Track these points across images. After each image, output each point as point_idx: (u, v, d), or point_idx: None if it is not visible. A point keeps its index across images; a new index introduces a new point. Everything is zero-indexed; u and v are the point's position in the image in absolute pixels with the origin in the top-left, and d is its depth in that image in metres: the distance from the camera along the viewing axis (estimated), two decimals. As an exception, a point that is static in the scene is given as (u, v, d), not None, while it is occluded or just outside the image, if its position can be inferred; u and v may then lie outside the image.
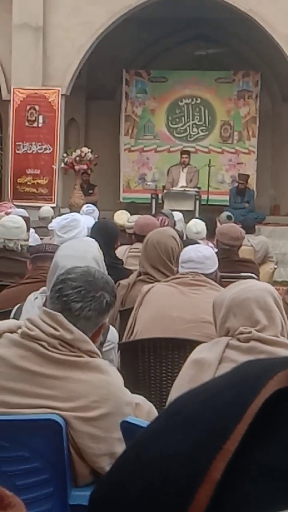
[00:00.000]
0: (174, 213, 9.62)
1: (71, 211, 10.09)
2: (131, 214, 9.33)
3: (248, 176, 16.49)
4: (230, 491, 0.48)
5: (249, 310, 2.62)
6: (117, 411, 2.52)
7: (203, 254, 4.10)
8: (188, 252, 4.14)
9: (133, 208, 11.10)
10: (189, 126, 18.05)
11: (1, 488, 0.68)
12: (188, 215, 11.05)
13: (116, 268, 5.14)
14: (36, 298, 3.63)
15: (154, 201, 15.30)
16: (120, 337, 3.83)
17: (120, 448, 2.52)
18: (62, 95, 15.90)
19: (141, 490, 0.51)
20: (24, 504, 0.68)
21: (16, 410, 2.50)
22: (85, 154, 15.66)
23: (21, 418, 2.47)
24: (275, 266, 9.74)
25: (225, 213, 10.94)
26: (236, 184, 16.35)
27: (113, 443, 2.51)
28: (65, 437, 2.47)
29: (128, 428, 2.43)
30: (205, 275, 4.04)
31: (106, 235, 5.39)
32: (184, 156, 15.95)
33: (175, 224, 8.54)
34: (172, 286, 4.01)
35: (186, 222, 9.29)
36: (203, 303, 3.81)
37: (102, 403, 2.51)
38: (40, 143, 16.02)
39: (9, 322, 2.80)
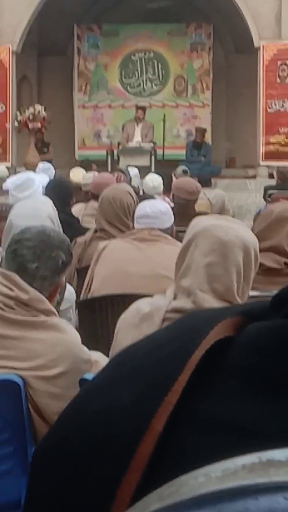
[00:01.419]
0: (130, 168, 9.59)
1: (27, 170, 9.99)
2: (86, 171, 9.27)
3: (205, 129, 16.45)
4: (171, 443, 0.48)
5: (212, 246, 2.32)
6: (75, 369, 2.52)
7: (158, 209, 4.09)
8: (144, 207, 4.13)
9: (88, 165, 11.03)
10: (142, 80, 17.94)
11: None
12: (144, 171, 11.02)
13: (71, 225, 5.12)
14: (-9, 258, 3.60)
15: (109, 157, 15.21)
16: (78, 295, 3.83)
17: (79, 405, 2.53)
18: (12, 52, 15.67)
19: (85, 443, 0.51)
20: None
21: (-26, 371, 2.49)
22: (39, 111, 15.48)
23: (-21, 379, 2.47)
24: (232, 219, 9.77)
25: (181, 167, 10.92)
26: (193, 138, 16.31)
27: (72, 400, 2.52)
28: (23, 397, 2.47)
29: (86, 385, 2.44)
30: (161, 230, 4.03)
31: (61, 193, 5.36)
32: (139, 111, 15.83)
33: (131, 180, 8.52)
34: (129, 242, 4.00)
35: (142, 177, 9.27)
36: (160, 257, 3.82)
37: (60, 362, 2.51)
38: (-8, 102, 15.80)
39: None
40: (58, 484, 0.52)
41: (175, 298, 2.41)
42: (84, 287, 4.01)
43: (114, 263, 3.92)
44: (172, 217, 4.20)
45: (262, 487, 0.39)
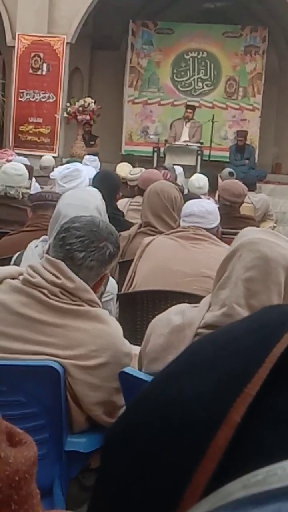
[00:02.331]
0: (175, 167, 9.58)
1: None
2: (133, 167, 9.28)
3: (246, 132, 16.35)
4: (248, 435, 0.48)
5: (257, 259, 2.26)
6: (115, 361, 2.53)
7: (205, 208, 4.08)
8: (191, 206, 4.12)
9: (132, 160, 11.03)
10: (194, 80, 17.90)
11: (12, 425, 0.68)
12: (189, 170, 11.00)
13: (117, 219, 5.13)
14: (37, 246, 3.63)
15: (156, 154, 15.21)
16: (119, 288, 3.83)
17: (117, 397, 2.54)
18: (67, 43, 15.74)
19: (158, 430, 0.51)
20: (34, 443, 0.68)
21: (15, 356, 2.50)
22: (88, 104, 15.54)
23: (20, 363, 2.48)
24: (275, 225, 9.73)
25: (227, 169, 10.89)
26: (236, 141, 16.25)
27: (110, 392, 2.53)
28: (62, 384, 2.48)
29: (126, 379, 2.45)
30: (207, 229, 4.02)
31: (108, 186, 5.37)
32: (189, 110, 15.79)
33: (176, 178, 8.51)
34: (173, 240, 4.00)
35: (188, 177, 9.25)
36: (204, 257, 3.81)
37: (100, 353, 2.52)
38: (43, 92, 15.90)
39: (11, 268, 2.80)
40: (129, 469, 0.52)
41: (209, 308, 2.37)
42: (126, 281, 4.02)
43: (157, 260, 3.92)
44: (219, 217, 4.19)
45: None
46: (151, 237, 4.13)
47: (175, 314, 2.44)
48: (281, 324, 0.54)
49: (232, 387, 0.50)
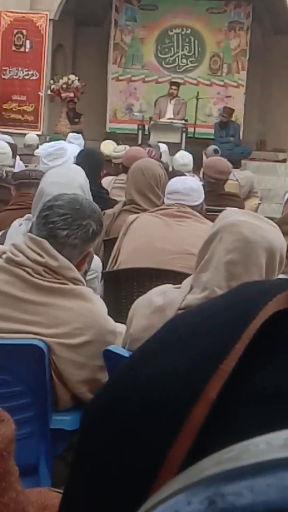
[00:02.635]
0: (160, 145, 9.55)
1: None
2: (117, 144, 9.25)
3: (232, 110, 16.29)
4: (223, 411, 0.48)
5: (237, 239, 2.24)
6: (99, 339, 2.53)
7: (189, 186, 4.08)
8: (175, 183, 4.12)
9: (116, 138, 10.97)
10: (178, 56, 17.81)
11: None
12: (174, 148, 10.99)
13: (101, 197, 5.12)
14: (21, 224, 3.61)
15: (140, 132, 15.16)
16: (104, 267, 3.83)
17: (101, 375, 2.55)
18: (50, 20, 15.61)
19: (137, 407, 0.51)
20: (12, 419, 0.68)
21: (-1, 334, 2.50)
22: (72, 81, 15.45)
23: (4, 342, 2.48)
24: (260, 202, 9.75)
25: (212, 147, 10.87)
26: (220, 118, 16.20)
27: (95, 370, 2.54)
28: (47, 363, 2.48)
29: (110, 356, 2.45)
30: (191, 207, 4.02)
31: (92, 163, 5.35)
32: (173, 87, 15.71)
33: (160, 156, 8.49)
34: (157, 217, 4.00)
35: (173, 154, 9.24)
36: (188, 235, 3.82)
37: (85, 330, 2.52)
38: (26, 69, 15.78)
39: (-6, 247, 2.79)
40: (106, 444, 0.52)
41: (190, 290, 2.37)
42: (111, 259, 4.02)
43: (142, 237, 3.92)
44: (203, 195, 4.19)
45: None
46: (135, 215, 4.12)
47: (157, 295, 2.44)
48: (258, 299, 0.54)
49: (208, 364, 0.50)
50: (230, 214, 2.36)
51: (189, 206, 4.01)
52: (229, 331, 0.51)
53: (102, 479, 0.51)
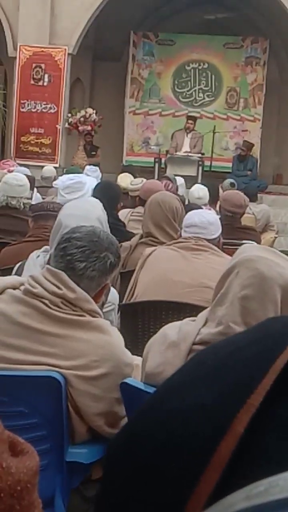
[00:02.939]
0: (176, 178, 9.58)
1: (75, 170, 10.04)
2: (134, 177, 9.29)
3: (252, 144, 16.38)
4: (252, 445, 0.48)
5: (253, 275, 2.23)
6: (117, 372, 2.52)
7: (206, 219, 4.08)
8: (192, 216, 4.12)
9: (133, 171, 11.01)
10: (195, 91, 17.93)
11: (14, 435, 0.68)
12: (190, 181, 11.00)
13: (118, 229, 5.13)
14: (38, 256, 3.63)
15: (157, 165, 15.22)
16: (121, 299, 3.83)
17: (118, 408, 2.54)
18: (68, 54, 15.78)
19: (161, 441, 0.51)
20: (36, 452, 0.68)
21: (17, 366, 2.50)
22: (90, 115, 15.57)
23: (21, 374, 2.48)
24: (276, 235, 9.74)
25: (228, 180, 10.90)
26: (239, 151, 16.27)
27: (112, 402, 2.53)
28: (64, 395, 2.48)
29: (127, 389, 2.45)
30: (208, 240, 4.02)
31: (109, 196, 5.37)
32: (190, 121, 15.80)
33: (177, 189, 8.51)
34: (174, 250, 4.00)
35: (189, 187, 9.25)
36: (205, 268, 3.81)
37: (102, 363, 2.51)
38: (45, 102, 15.92)
39: (12, 279, 2.80)
40: (131, 480, 0.51)
41: (205, 324, 2.36)
42: (128, 291, 4.02)
43: (158, 270, 3.92)
44: (220, 228, 4.18)
45: None
46: (152, 248, 4.13)
47: (171, 330, 2.44)
48: (284, 334, 0.54)
49: (235, 398, 0.50)
50: (247, 249, 2.36)
51: (206, 239, 4.01)
52: (256, 366, 0.51)
53: None
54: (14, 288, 2.63)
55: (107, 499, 0.54)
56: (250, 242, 5.80)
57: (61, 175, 9.67)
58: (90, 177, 7.81)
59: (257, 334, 0.57)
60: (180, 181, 9.57)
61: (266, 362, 0.51)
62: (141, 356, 2.83)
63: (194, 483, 0.47)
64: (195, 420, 0.50)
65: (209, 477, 0.47)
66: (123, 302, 3.93)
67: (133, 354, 2.75)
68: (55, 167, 12.77)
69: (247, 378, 0.51)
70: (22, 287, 2.61)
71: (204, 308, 2.60)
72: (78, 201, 3.82)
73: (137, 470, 0.51)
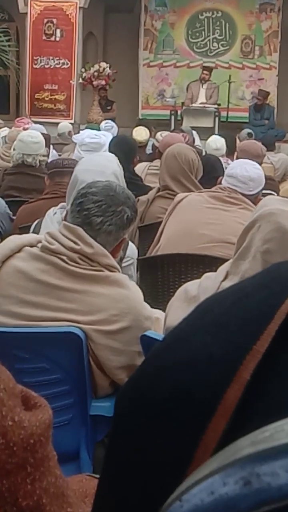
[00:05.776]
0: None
1: (90, 127, 10.00)
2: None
3: (268, 93, 16.20)
4: (259, 391, 0.48)
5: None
6: (136, 325, 2.53)
7: (248, 174, 3.88)
8: (235, 167, 3.96)
9: (148, 124, 10.93)
10: (209, 40, 17.70)
11: (27, 389, 0.68)
12: (207, 132, 10.94)
13: (135, 184, 5.12)
14: (55, 213, 3.63)
15: (173, 117, 15.11)
16: (140, 253, 3.83)
17: (139, 361, 2.55)
18: (79, 7, 15.61)
19: (169, 390, 0.51)
20: (49, 405, 0.68)
21: (37, 322, 2.52)
22: (104, 69, 15.45)
23: (42, 330, 2.50)
24: (295, 184, 9.67)
25: (245, 130, 10.81)
26: (255, 101, 16.10)
27: (132, 356, 2.54)
28: (85, 350, 2.49)
29: (147, 342, 2.46)
30: (244, 195, 3.86)
31: (125, 150, 5.34)
32: (205, 72, 15.65)
33: (194, 141, 8.46)
34: (205, 199, 3.89)
35: (206, 139, 9.19)
36: (232, 222, 3.68)
37: (122, 317, 2.52)
38: (58, 58, 15.81)
39: (29, 236, 2.80)
40: (141, 429, 0.52)
41: (226, 277, 2.35)
42: (156, 238, 3.96)
43: (185, 221, 3.83)
44: (262, 185, 3.96)
45: None
46: (184, 194, 4.03)
47: (191, 285, 2.43)
48: None
49: (241, 345, 0.49)
50: (269, 202, 2.33)
51: (242, 194, 3.87)
52: (262, 312, 0.51)
53: (138, 464, 0.51)
54: (32, 246, 2.63)
55: (118, 450, 0.54)
56: (270, 192, 5.76)
57: (77, 133, 9.63)
58: (105, 132, 7.75)
59: (263, 279, 0.56)
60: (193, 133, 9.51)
61: (272, 307, 0.51)
62: (160, 309, 2.84)
63: (202, 430, 0.47)
64: (201, 368, 0.50)
65: (216, 424, 0.47)
66: (149, 249, 3.91)
67: (152, 307, 2.76)
68: (70, 123, 12.71)
69: (253, 324, 0.50)
70: (39, 244, 2.61)
71: (224, 260, 2.59)
72: (94, 156, 3.80)
73: (145, 419, 0.51)
